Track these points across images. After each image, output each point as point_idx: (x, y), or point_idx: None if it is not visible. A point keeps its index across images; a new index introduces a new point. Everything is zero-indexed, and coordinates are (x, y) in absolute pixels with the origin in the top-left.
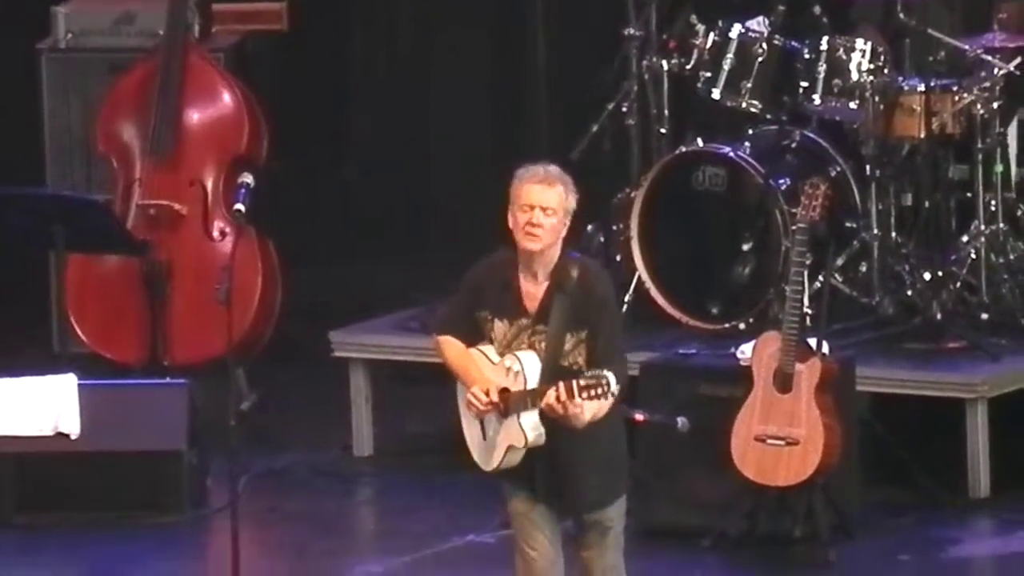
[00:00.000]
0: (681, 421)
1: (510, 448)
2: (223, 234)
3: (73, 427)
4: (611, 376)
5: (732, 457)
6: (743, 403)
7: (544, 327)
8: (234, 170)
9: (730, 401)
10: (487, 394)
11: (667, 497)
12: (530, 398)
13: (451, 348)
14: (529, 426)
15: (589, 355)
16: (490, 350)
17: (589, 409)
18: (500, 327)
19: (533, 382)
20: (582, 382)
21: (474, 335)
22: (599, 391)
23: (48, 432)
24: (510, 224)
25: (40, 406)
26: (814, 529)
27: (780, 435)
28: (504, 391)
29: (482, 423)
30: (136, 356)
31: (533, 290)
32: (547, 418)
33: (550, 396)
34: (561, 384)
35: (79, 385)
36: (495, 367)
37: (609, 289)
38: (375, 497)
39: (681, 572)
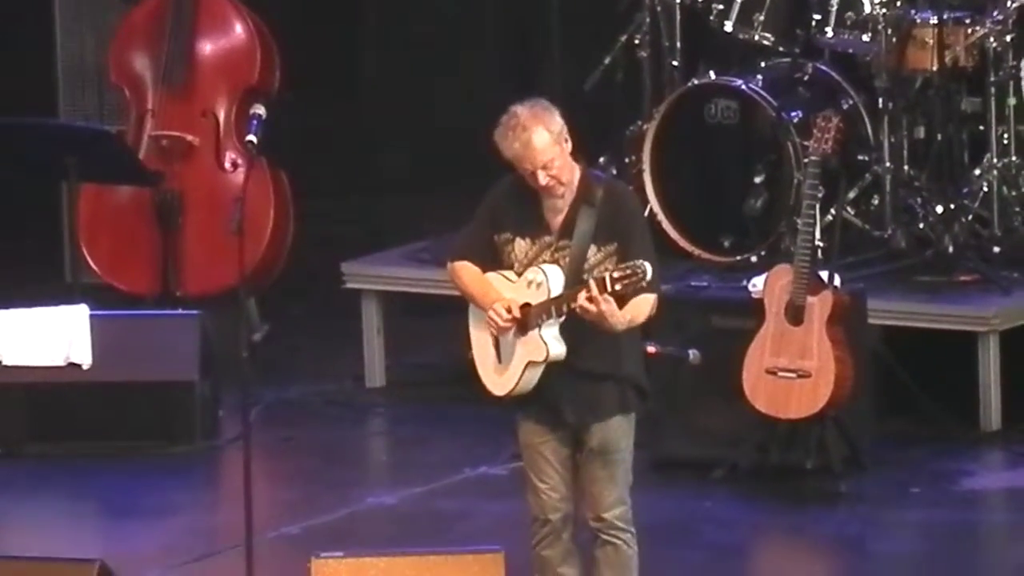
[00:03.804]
0: (693, 353)
1: (529, 365)
2: (235, 165)
3: (85, 357)
4: (647, 265)
5: (744, 390)
6: (755, 336)
7: (568, 242)
8: (246, 101)
9: (742, 334)
10: (508, 310)
11: (678, 429)
12: (554, 306)
13: (467, 272)
14: (550, 337)
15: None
16: (509, 273)
17: (628, 311)
18: (522, 245)
19: (557, 292)
20: (616, 273)
21: (491, 261)
22: (634, 279)
23: (60, 362)
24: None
25: (52, 336)
26: (826, 461)
27: (791, 368)
28: (525, 306)
29: (497, 346)
30: (148, 287)
31: (557, 205)
32: (568, 330)
33: (581, 297)
34: (591, 280)
35: (91, 316)
36: (515, 285)
37: (638, 204)
38: (387, 428)
39: (693, 504)
